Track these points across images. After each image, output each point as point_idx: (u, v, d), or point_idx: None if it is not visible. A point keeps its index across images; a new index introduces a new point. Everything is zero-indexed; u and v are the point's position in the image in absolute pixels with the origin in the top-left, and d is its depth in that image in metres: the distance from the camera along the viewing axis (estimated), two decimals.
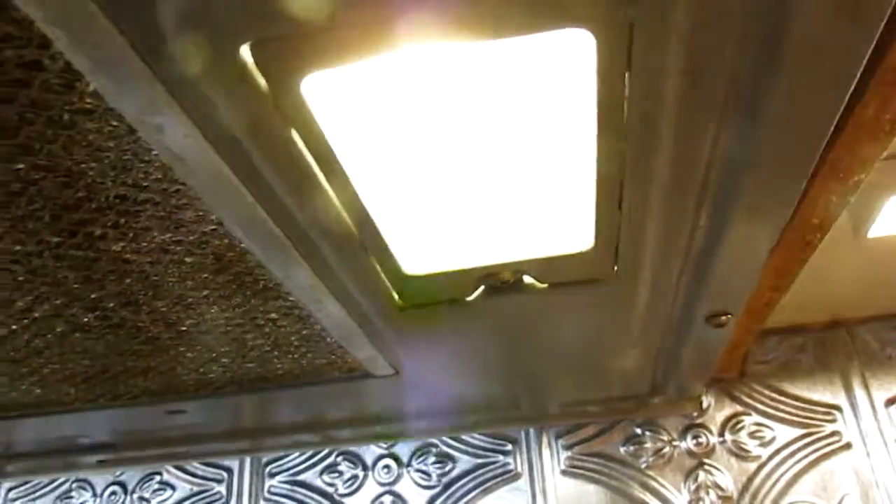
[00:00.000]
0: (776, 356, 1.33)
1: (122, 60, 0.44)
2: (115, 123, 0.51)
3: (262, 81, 0.46)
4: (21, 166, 0.54)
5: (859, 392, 1.28)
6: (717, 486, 1.26)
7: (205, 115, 0.49)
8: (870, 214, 0.83)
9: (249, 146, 0.51)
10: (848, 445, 1.25)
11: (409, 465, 1.36)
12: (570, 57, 0.47)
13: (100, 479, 1.48)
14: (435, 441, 1.37)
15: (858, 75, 0.50)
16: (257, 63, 0.44)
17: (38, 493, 1.50)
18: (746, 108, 0.53)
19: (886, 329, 1.31)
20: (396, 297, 0.75)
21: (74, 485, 1.49)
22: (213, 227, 0.64)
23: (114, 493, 1.46)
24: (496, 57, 0.48)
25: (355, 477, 1.38)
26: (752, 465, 1.26)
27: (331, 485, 1.38)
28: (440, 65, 0.48)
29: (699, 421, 1.30)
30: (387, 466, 1.37)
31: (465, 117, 0.55)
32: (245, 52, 0.43)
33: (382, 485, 1.36)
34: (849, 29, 0.45)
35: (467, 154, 0.60)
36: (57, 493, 1.49)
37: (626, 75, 0.48)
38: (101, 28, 0.41)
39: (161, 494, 1.45)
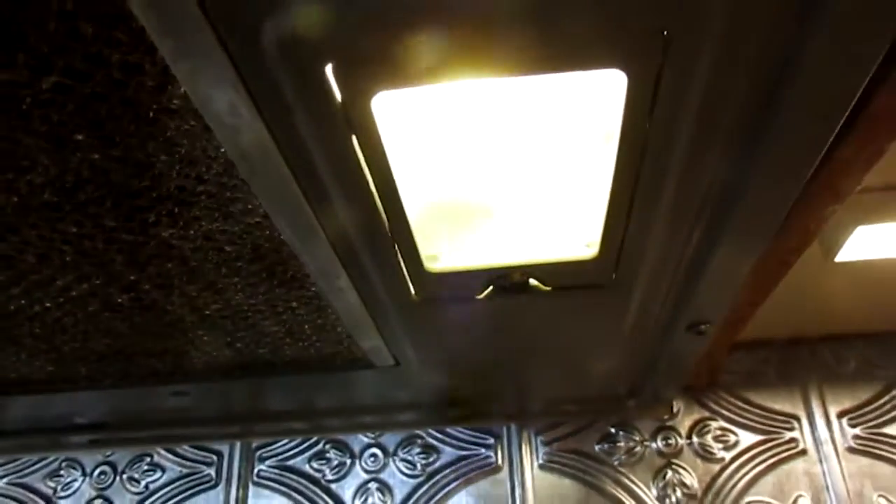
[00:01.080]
0: (743, 367, 1.43)
1: (218, 69, 0.50)
2: (193, 123, 0.57)
3: (338, 96, 0.52)
4: (97, 156, 0.60)
5: (815, 403, 1.38)
6: (683, 485, 1.35)
7: (280, 121, 0.55)
8: (839, 241, 0.93)
9: (313, 149, 0.58)
10: (803, 451, 1.35)
11: (394, 454, 1.43)
12: (603, 90, 0.55)
13: (89, 459, 1.51)
14: (420, 433, 1.43)
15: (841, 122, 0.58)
16: (337, 80, 0.51)
17: (26, 471, 1.52)
18: (745, 145, 0.61)
19: (843, 347, 1.42)
20: (413, 290, 0.82)
21: (64, 464, 1.52)
22: (259, 219, 0.70)
23: (103, 472, 1.50)
24: (534, 83, 0.55)
25: (342, 464, 1.44)
26: (716, 467, 1.35)
27: (318, 471, 1.43)
28: (483, 87, 0.55)
29: (669, 424, 1.40)
30: (373, 455, 1.43)
31: (500, 136, 0.62)
32: (329, 70, 0.50)
33: (369, 472, 1.42)
34: (844, 78, 0.53)
35: (495, 166, 0.67)
36: (46, 471, 1.52)
37: (650, 111, 0.55)
38: (207, 42, 0.47)
39: (151, 475, 1.48)
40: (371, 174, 0.61)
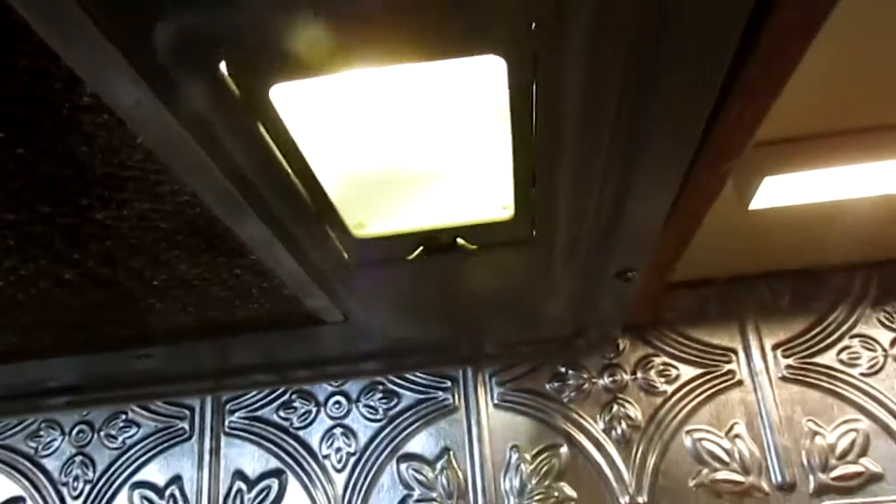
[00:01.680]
0: (685, 305, 1.50)
1: (118, 71, 0.53)
2: (106, 116, 0.60)
3: (234, 88, 0.56)
4: (21, 150, 0.63)
5: (752, 337, 1.46)
6: (628, 417, 1.44)
7: (186, 112, 0.58)
8: (749, 191, 0.98)
9: (223, 137, 0.62)
10: (739, 382, 1.44)
11: (357, 401, 1.51)
12: (489, 74, 0.59)
13: (67, 419, 1.58)
14: (381, 380, 1.51)
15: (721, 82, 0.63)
16: (231, 76, 0.54)
17: (7, 434, 1.59)
18: (635, 109, 0.66)
19: (779, 282, 1.50)
20: (346, 255, 0.87)
21: (43, 424, 1.59)
22: (188, 198, 0.74)
23: (82, 431, 1.57)
24: (426, 69, 0.59)
25: (308, 412, 1.51)
26: (659, 399, 1.44)
27: (286, 419, 1.51)
28: (378, 73, 0.59)
29: (615, 361, 1.48)
30: (337, 402, 1.51)
31: (404, 116, 0.66)
32: (223, 66, 0.53)
33: (333, 419, 1.50)
34: (719, 36, 0.57)
35: (405, 143, 0.71)
36: (26, 432, 1.59)
37: (533, 87, 0.59)
38: (102, 47, 0.51)
39: (127, 431, 1.56)
40: (284, 158, 0.65)
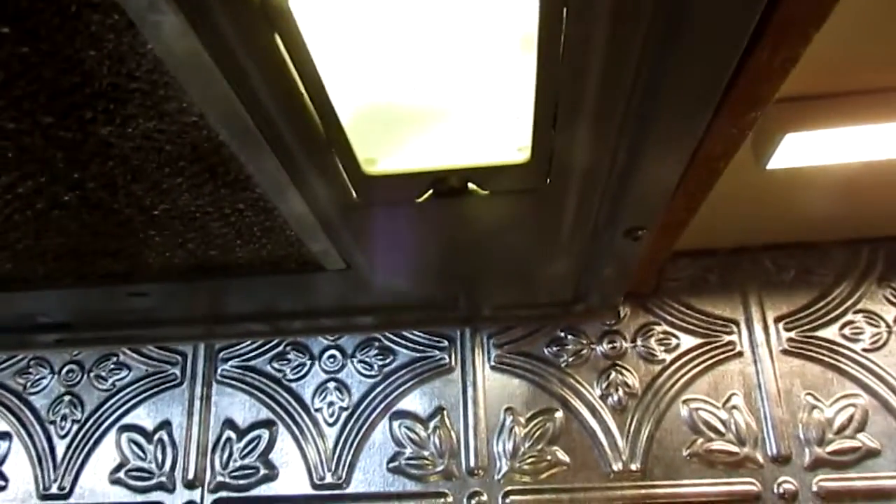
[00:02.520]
0: (687, 275, 1.49)
1: None
2: (116, 17, 0.57)
3: None
4: (26, 49, 0.60)
5: (754, 309, 1.45)
6: (626, 385, 1.43)
7: (200, 18, 0.56)
8: (769, 149, 0.96)
9: (238, 50, 0.59)
10: (739, 353, 1.43)
11: (353, 356, 1.49)
12: None
13: (57, 358, 1.56)
14: (378, 336, 1.50)
15: (755, 25, 0.60)
16: None
17: None
18: (664, 46, 0.63)
19: (783, 256, 1.48)
20: (354, 194, 0.84)
21: (32, 362, 1.57)
22: (195, 118, 0.71)
23: (71, 370, 1.55)
24: None
25: (303, 365, 1.50)
26: (657, 367, 1.43)
27: (280, 371, 1.50)
28: None
29: (615, 328, 1.47)
30: (332, 356, 1.50)
31: (426, 43, 0.63)
32: None
33: (328, 372, 1.49)
34: None
35: (425, 72, 0.68)
36: (15, 368, 1.57)
37: (564, 11, 0.57)
38: None
39: (117, 374, 1.54)
40: (299, 75, 0.63)
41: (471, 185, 0.85)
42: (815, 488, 1.33)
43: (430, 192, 0.86)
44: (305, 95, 0.65)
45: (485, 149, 0.79)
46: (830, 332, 1.42)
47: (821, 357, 1.41)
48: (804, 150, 0.94)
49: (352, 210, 0.88)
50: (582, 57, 0.62)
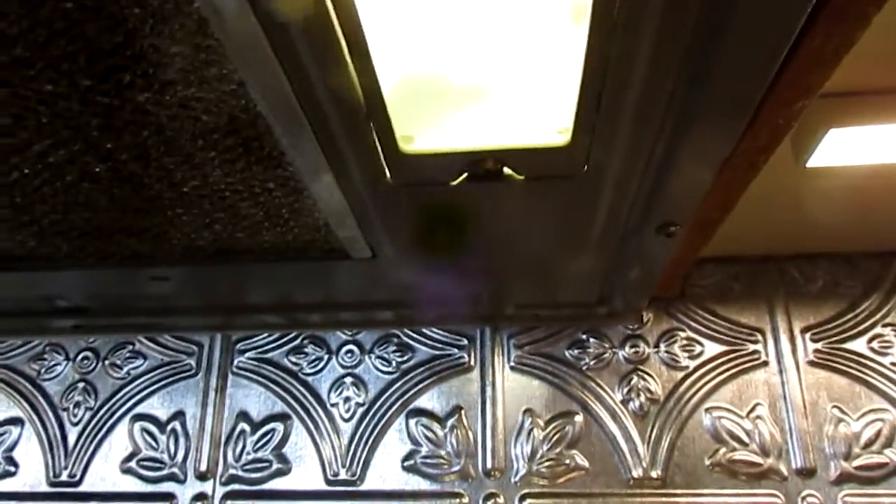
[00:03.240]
0: (712, 281, 1.47)
1: None
2: None
3: None
4: (69, 5, 0.60)
5: (780, 318, 1.43)
6: (648, 390, 1.40)
7: None
8: (811, 145, 0.94)
9: (287, 12, 0.58)
10: (765, 363, 1.40)
11: (371, 351, 1.48)
12: None
13: (72, 345, 1.55)
14: (397, 332, 1.48)
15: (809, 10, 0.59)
16: None
17: (11, 354, 1.56)
18: (715, 28, 0.62)
19: (811, 266, 1.46)
20: (388, 174, 0.83)
21: (47, 348, 1.56)
22: (234, 86, 0.70)
23: (86, 358, 1.54)
24: None
25: (320, 359, 1.48)
26: (680, 374, 1.41)
27: (296, 364, 1.48)
28: None
29: (638, 332, 1.44)
30: (350, 351, 1.48)
31: (472, 13, 0.62)
32: None
33: (345, 367, 1.47)
34: None
35: (470, 45, 0.67)
36: (30, 354, 1.56)
37: None
38: None
39: (133, 362, 1.53)
40: (344, 36, 0.62)
41: (506, 170, 0.83)
42: (840, 503, 1.30)
43: (465, 175, 0.84)
44: (350, 62, 0.64)
45: (523, 130, 0.78)
46: (858, 345, 1.40)
47: (848, 370, 1.38)
48: (847, 147, 0.93)
49: (384, 191, 0.87)
50: (634, 32, 0.61)
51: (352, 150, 0.79)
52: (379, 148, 0.78)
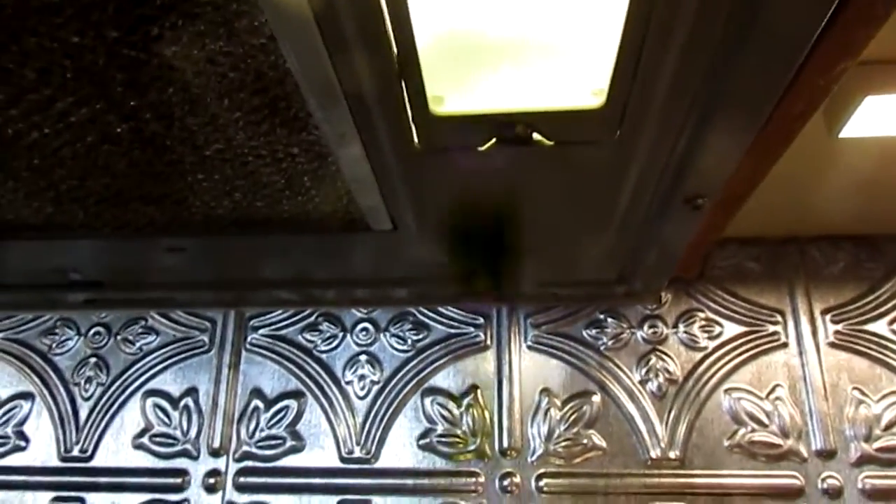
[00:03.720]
0: (732, 262, 1.45)
1: None
2: None
3: None
4: None
5: (801, 300, 1.41)
6: (666, 371, 1.39)
7: None
8: (846, 113, 0.92)
9: None
10: (785, 344, 1.39)
11: (386, 329, 1.46)
12: None
13: (84, 319, 1.54)
14: (412, 310, 1.46)
15: None
16: None
17: (22, 328, 1.55)
18: None
19: (833, 248, 1.45)
20: (416, 138, 0.81)
21: (59, 322, 1.54)
22: (264, 41, 0.68)
23: (98, 333, 1.53)
24: None
25: (334, 336, 1.47)
26: (699, 355, 1.39)
27: (311, 342, 1.47)
28: None
29: (657, 313, 1.43)
30: (365, 329, 1.46)
31: None
32: None
33: (360, 345, 1.46)
34: None
35: (506, 3, 0.66)
36: (41, 328, 1.55)
37: None
38: None
39: (145, 338, 1.51)
40: None
41: (536, 136, 0.82)
42: (860, 485, 1.29)
43: (494, 140, 0.83)
44: (387, 15, 0.63)
45: (556, 92, 0.76)
46: (879, 327, 1.38)
47: (869, 351, 1.37)
48: (883, 115, 0.91)
49: (411, 157, 0.85)
50: None
51: (381, 112, 0.77)
52: (409, 109, 0.76)
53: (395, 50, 0.67)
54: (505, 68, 0.73)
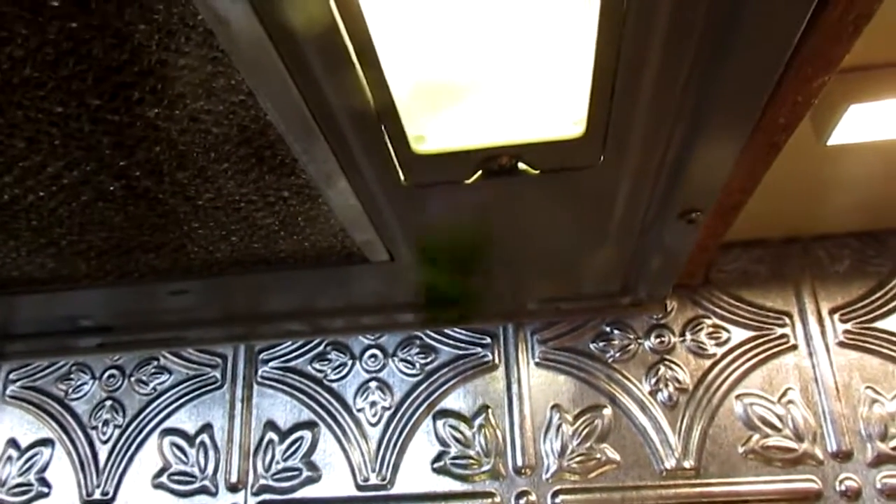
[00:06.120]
0: (736, 266, 1.44)
1: None
2: None
3: None
4: (75, 24, 0.59)
5: (808, 300, 1.40)
6: (676, 380, 1.38)
7: None
8: (832, 122, 0.92)
9: (289, 11, 0.57)
10: (794, 347, 1.38)
11: (394, 355, 1.47)
12: None
13: (98, 363, 1.56)
14: (419, 334, 1.47)
15: None
16: None
17: (38, 375, 1.58)
18: (731, 5, 0.60)
19: (837, 246, 1.43)
20: (402, 176, 0.82)
21: (74, 367, 1.57)
22: (243, 97, 0.70)
23: (112, 375, 1.55)
24: None
25: (343, 364, 1.48)
26: (708, 362, 1.39)
27: (320, 371, 1.48)
28: None
29: (663, 322, 1.42)
30: (373, 356, 1.47)
31: (479, 7, 0.61)
32: None
33: (369, 372, 1.47)
34: None
35: (479, 40, 0.66)
36: (57, 374, 1.57)
37: None
38: None
39: (158, 378, 1.53)
40: (351, 41, 0.61)
41: (521, 165, 0.82)
42: (879, 485, 1.27)
43: (480, 173, 0.83)
44: (359, 67, 0.63)
45: (537, 124, 0.77)
46: (889, 323, 1.36)
47: (880, 349, 1.35)
48: (869, 122, 0.91)
49: (399, 194, 0.86)
50: (646, 13, 0.60)
51: (364, 153, 0.78)
52: (392, 150, 0.77)
53: (370, 97, 0.68)
54: (484, 105, 0.74)
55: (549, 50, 0.68)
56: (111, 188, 0.84)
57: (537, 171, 0.83)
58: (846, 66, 0.86)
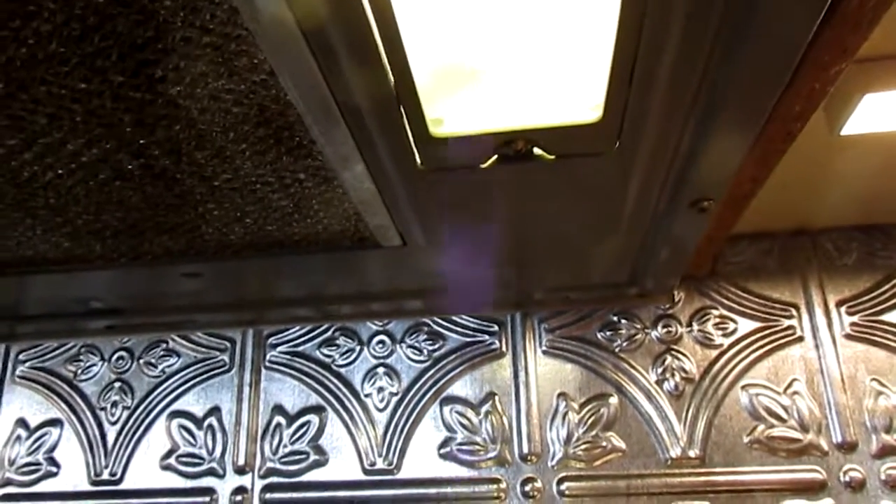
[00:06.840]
0: (744, 258, 1.45)
1: None
2: None
3: None
4: (102, 0, 0.60)
5: (815, 293, 1.41)
6: (682, 370, 1.39)
7: None
8: (846, 112, 0.92)
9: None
10: (800, 338, 1.39)
11: (402, 341, 1.48)
12: None
13: (107, 345, 1.57)
14: (427, 321, 1.48)
15: None
16: None
17: (48, 356, 1.59)
18: None
19: (844, 239, 1.44)
20: (418, 158, 0.83)
21: (83, 349, 1.58)
22: (265, 76, 0.70)
23: (121, 357, 1.56)
24: None
25: (352, 350, 1.49)
26: (714, 352, 1.40)
27: (328, 356, 1.49)
28: None
29: (670, 312, 1.43)
30: (381, 342, 1.48)
31: None
32: None
33: (377, 358, 1.48)
34: None
35: (500, 24, 0.67)
36: (66, 356, 1.58)
37: None
38: None
39: (167, 360, 1.55)
40: (377, 23, 0.61)
41: (537, 150, 0.83)
42: (883, 476, 1.28)
43: (495, 157, 0.84)
44: (381, 46, 0.64)
45: (553, 108, 0.77)
46: (895, 316, 1.37)
47: (886, 341, 1.36)
48: (882, 112, 0.91)
49: (414, 177, 0.87)
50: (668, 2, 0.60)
51: (382, 136, 0.78)
52: (409, 132, 0.78)
53: (391, 78, 0.69)
54: (502, 88, 0.74)
55: (569, 34, 0.69)
56: (129, 167, 0.84)
57: (552, 157, 0.83)
58: (861, 55, 0.86)
